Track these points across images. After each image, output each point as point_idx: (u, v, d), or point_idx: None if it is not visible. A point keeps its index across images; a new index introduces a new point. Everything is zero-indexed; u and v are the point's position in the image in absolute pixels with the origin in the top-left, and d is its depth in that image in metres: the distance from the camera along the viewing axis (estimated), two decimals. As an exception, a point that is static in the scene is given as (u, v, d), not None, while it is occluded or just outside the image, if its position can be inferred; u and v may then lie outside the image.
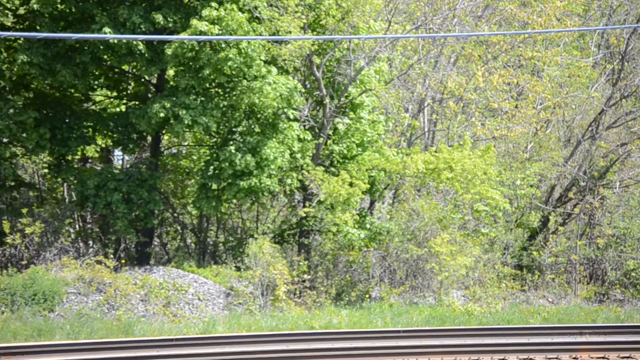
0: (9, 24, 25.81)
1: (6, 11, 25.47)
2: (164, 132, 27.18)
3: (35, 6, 24.65)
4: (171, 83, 25.80)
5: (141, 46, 24.56)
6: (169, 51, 24.23)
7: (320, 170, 26.11)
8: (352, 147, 27.16)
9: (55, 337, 21.23)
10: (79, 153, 27.81)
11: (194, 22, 23.99)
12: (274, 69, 25.29)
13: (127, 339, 20.73)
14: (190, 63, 24.76)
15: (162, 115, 24.55)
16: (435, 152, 27.58)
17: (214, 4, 24.45)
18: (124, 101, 28.97)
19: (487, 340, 21.15)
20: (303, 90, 26.63)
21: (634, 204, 30.12)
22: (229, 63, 24.25)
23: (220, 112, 25.00)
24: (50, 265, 24.63)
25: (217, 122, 25.17)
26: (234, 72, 24.60)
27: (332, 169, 27.05)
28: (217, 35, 23.76)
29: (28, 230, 24.84)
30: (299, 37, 25.08)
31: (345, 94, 27.04)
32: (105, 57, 26.09)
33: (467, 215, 27.12)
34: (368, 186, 26.43)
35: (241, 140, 25.47)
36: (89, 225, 28.46)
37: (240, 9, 24.94)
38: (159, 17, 24.50)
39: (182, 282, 24.74)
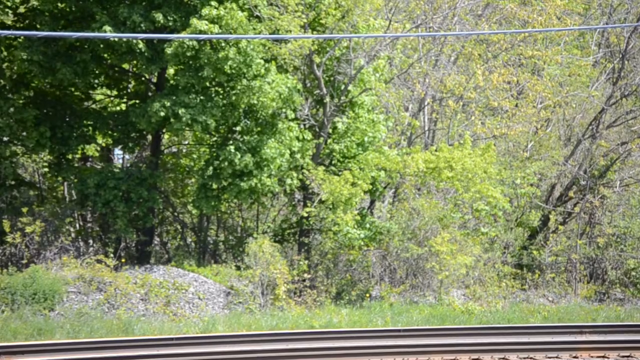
0: (9, 22, 25.81)
1: (6, 9, 25.46)
2: (164, 130, 27.17)
3: (35, 3, 24.65)
4: (171, 82, 25.79)
5: (141, 45, 24.55)
6: (169, 50, 24.23)
7: (320, 170, 26.10)
8: (352, 146, 27.16)
9: (55, 336, 21.21)
10: (79, 152, 27.79)
11: (194, 21, 23.99)
12: (273, 67, 25.28)
13: (127, 338, 20.71)
14: (190, 62, 24.75)
15: (162, 114, 24.54)
16: (436, 151, 27.57)
17: (213, 3, 24.43)
18: (124, 100, 28.96)
19: (488, 339, 21.13)
20: (302, 89, 26.62)
21: (634, 203, 30.11)
22: (229, 62, 24.24)
23: (219, 111, 24.98)
24: (50, 264, 24.61)
25: (217, 121, 25.16)
26: (233, 72, 24.59)
27: (333, 168, 27.04)
28: (217, 34, 23.75)
29: (28, 229, 24.82)
30: (299, 35, 25.08)
31: (345, 93, 27.03)
32: (105, 55, 26.08)
33: (467, 214, 27.11)
34: (370, 187, 26.44)
35: (241, 139, 25.46)
36: (89, 224, 28.44)
37: (240, 8, 24.93)
38: (159, 16, 24.49)
39: (182, 281, 24.74)
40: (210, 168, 25.30)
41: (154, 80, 27.84)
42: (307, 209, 26.17)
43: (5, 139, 26.44)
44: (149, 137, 27.84)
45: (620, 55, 31.20)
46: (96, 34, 23.77)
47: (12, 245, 25.27)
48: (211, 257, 28.59)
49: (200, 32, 23.70)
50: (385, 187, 28.32)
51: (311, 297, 24.88)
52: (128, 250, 27.46)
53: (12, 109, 25.75)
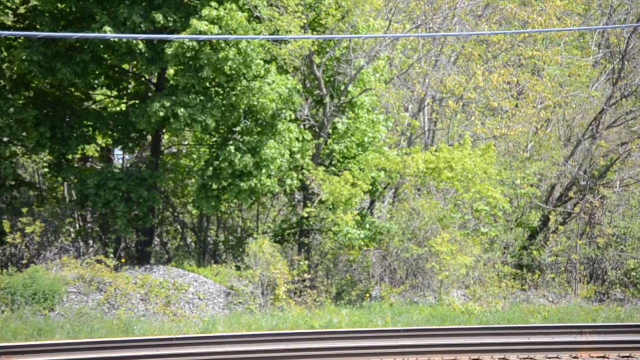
0: (9, 22, 25.82)
1: (6, 10, 25.46)
2: (164, 131, 27.18)
3: (35, 3, 24.67)
4: (171, 82, 25.81)
5: (141, 45, 24.56)
6: (169, 51, 24.24)
7: (320, 170, 26.11)
8: (352, 146, 27.17)
9: (55, 337, 21.22)
10: (79, 152, 27.79)
11: (194, 21, 24.00)
12: (273, 68, 25.29)
13: (127, 338, 20.72)
14: (190, 62, 24.76)
15: (161, 114, 24.55)
16: (436, 151, 27.57)
17: (213, 4, 24.45)
18: (124, 100, 28.97)
19: (488, 340, 21.14)
20: (302, 89, 26.62)
21: (634, 203, 30.09)
22: (229, 63, 24.24)
23: (219, 111, 24.99)
24: (50, 264, 24.61)
25: (217, 121, 25.17)
26: (233, 72, 24.60)
27: (333, 168, 27.05)
28: (216, 34, 23.76)
29: (28, 229, 24.82)
30: (299, 36, 25.08)
31: (345, 93, 27.04)
32: (105, 56, 26.09)
33: (467, 214, 27.11)
34: (370, 187, 26.44)
35: (241, 140, 25.47)
36: (89, 225, 28.45)
37: (240, 9, 24.94)
38: (159, 16, 24.50)
39: (182, 282, 24.74)
40: (210, 168, 25.31)
41: (154, 80, 27.85)
42: (307, 209, 26.17)
43: (5, 139, 26.44)
44: (149, 137, 27.84)
45: (620, 56, 31.20)
46: (96, 34, 23.77)
47: (12, 246, 25.28)
48: (211, 257, 28.59)
49: (200, 32, 23.70)
50: (385, 188, 28.32)
51: (311, 297, 24.88)
52: (128, 251, 27.46)
53: (12, 109, 25.76)
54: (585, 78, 31.83)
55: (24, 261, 25.19)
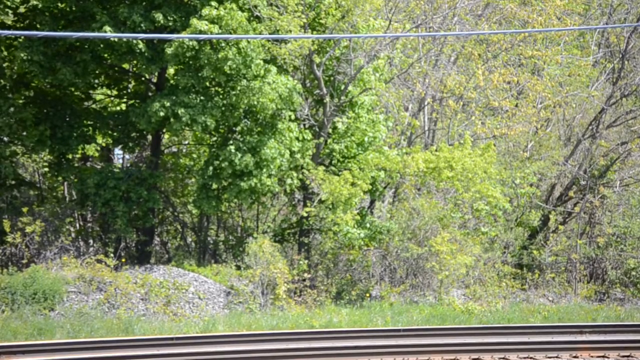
0: (9, 22, 25.83)
1: (6, 9, 25.47)
2: (164, 130, 27.18)
3: (35, 3, 24.68)
4: (171, 82, 25.81)
5: (141, 45, 24.57)
6: (169, 50, 24.25)
7: (320, 170, 26.12)
8: (352, 146, 27.17)
9: (55, 336, 21.22)
10: (79, 152, 27.80)
11: (194, 21, 24.01)
12: (273, 68, 25.29)
13: (127, 338, 20.73)
14: (190, 62, 24.76)
15: (161, 114, 24.56)
16: (436, 151, 27.58)
17: (213, 3, 24.45)
18: (124, 100, 28.97)
19: (488, 339, 21.15)
20: (302, 89, 26.62)
21: (634, 203, 30.10)
22: (229, 63, 24.25)
23: (219, 111, 25.00)
24: (50, 264, 24.62)
25: (217, 121, 25.18)
26: (233, 72, 24.61)
27: (333, 168, 27.06)
28: (217, 34, 23.77)
29: (28, 229, 24.83)
30: (299, 36, 25.09)
31: (345, 93, 27.04)
32: (105, 55, 26.09)
33: (467, 214, 27.12)
34: (370, 187, 26.45)
35: (241, 139, 25.48)
36: (89, 224, 28.45)
37: (240, 8, 24.94)
38: (159, 16, 24.51)
39: (183, 281, 24.75)
40: (210, 168, 25.32)
41: (154, 80, 27.86)
42: (307, 209, 26.18)
43: (5, 138, 26.46)
44: (149, 137, 27.85)
45: (620, 55, 31.21)
46: (96, 34, 23.78)
47: (12, 245, 25.28)
48: (211, 257, 28.60)
49: (200, 32, 23.71)
50: (385, 187, 28.32)
51: (311, 296, 24.89)
52: (128, 250, 27.47)
53: (12, 109, 25.77)
54: (585, 78, 31.84)
55: (24, 261, 25.20)
